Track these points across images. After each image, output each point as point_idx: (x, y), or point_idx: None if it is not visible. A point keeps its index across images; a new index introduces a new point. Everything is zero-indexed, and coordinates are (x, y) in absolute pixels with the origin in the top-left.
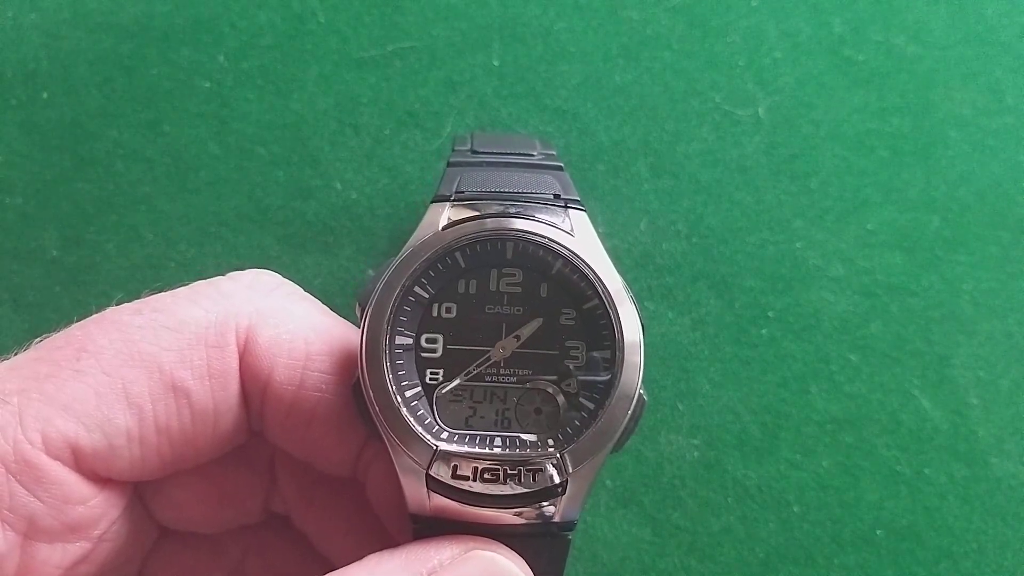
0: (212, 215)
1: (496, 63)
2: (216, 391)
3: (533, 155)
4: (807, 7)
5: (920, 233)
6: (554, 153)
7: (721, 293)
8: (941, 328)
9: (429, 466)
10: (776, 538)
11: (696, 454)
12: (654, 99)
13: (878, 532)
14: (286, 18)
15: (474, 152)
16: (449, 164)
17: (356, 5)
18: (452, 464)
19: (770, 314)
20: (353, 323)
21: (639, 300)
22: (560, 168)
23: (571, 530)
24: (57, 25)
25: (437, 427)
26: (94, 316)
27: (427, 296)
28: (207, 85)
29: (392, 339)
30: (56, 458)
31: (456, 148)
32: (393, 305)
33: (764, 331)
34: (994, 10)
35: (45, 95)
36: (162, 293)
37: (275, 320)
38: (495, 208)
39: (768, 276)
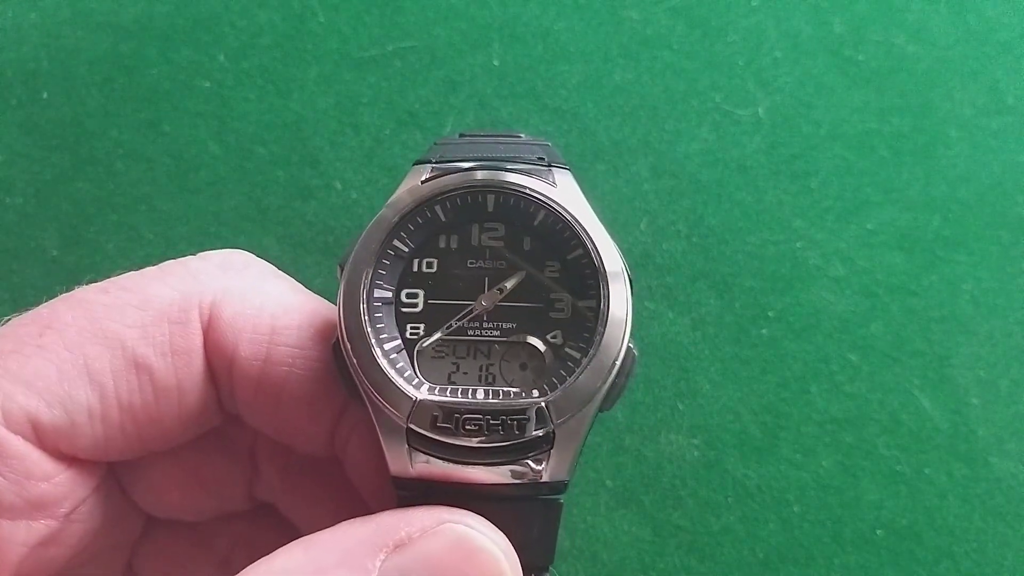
0: (212, 215)
1: (496, 63)
2: (180, 368)
3: (520, 136)
4: (807, 7)
5: (920, 233)
6: (546, 142)
7: (721, 293)
8: (941, 328)
9: (409, 418)
10: (776, 538)
11: (696, 454)
12: (654, 99)
13: (878, 532)
14: (286, 18)
15: (460, 135)
16: (435, 143)
17: (356, 5)
18: (432, 415)
19: (770, 314)
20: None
21: (639, 300)
22: (547, 144)
23: (562, 492)
24: (57, 25)
25: (417, 380)
26: (62, 295)
27: (407, 250)
28: (207, 85)
29: (371, 292)
30: (17, 433)
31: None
32: (373, 259)
33: (764, 331)
34: (994, 10)
35: (45, 95)
36: (131, 272)
37: (241, 296)
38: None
39: (768, 276)
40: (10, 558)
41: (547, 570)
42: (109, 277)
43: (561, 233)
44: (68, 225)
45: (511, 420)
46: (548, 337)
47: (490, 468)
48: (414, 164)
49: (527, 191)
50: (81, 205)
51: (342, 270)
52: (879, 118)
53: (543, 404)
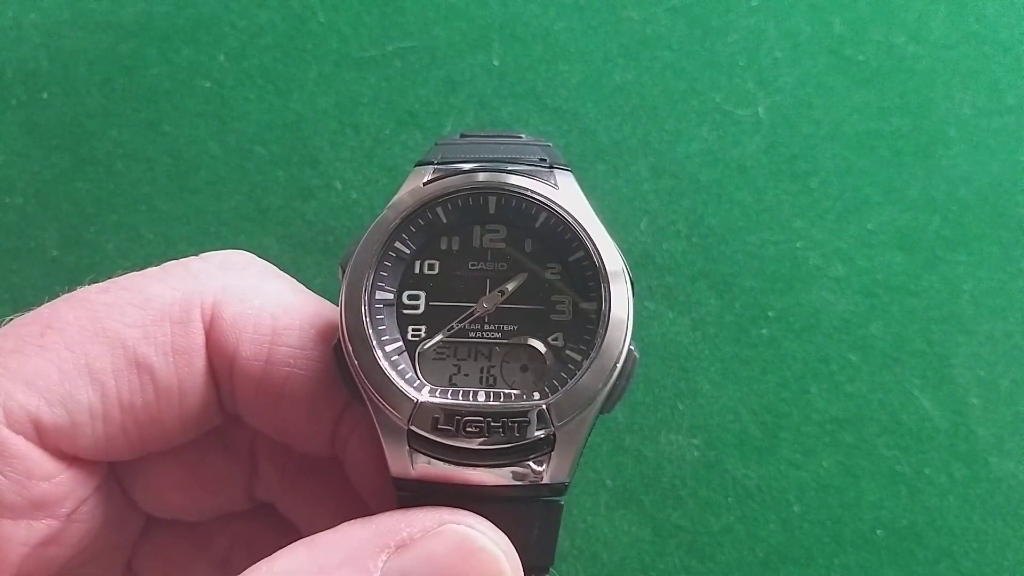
0: (212, 215)
1: (496, 63)
2: (180, 368)
3: (521, 136)
4: (807, 7)
5: (920, 233)
6: (547, 142)
7: (721, 293)
8: (941, 328)
9: (410, 420)
10: (776, 538)
11: (696, 454)
12: (654, 99)
13: (878, 532)
14: (286, 18)
15: (462, 136)
16: (436, 143)
17: (356, 5)
18: (433, 417)
19: (770, 314)
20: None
21: (639, 300)
22: (548, 144)
23: (562, 494)
24: (57, 25)
25: (418, 381)
26: (63, 295)
27: (408, 252)
28: (207, 85)
29: (372, 293)
30: (19, 432)
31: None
32: (374, 260)
33: (764, 331)
34: (994, 10)
35: (45, 95)
36: (132, 272)
37: (242, 296)
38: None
39: (768, 276)
40: (11, 558)
41: (547, 570)
42: (109, 277)
43: (562, 235)
44: (68, 225)
45: (512, 422)
46: (549, 339)
47: (491, 470)
48: (416, 165)
49: (528, 193)
50: (81, 205)
51: (343, 271)
52: (879, 118)
53: (544, 406)
